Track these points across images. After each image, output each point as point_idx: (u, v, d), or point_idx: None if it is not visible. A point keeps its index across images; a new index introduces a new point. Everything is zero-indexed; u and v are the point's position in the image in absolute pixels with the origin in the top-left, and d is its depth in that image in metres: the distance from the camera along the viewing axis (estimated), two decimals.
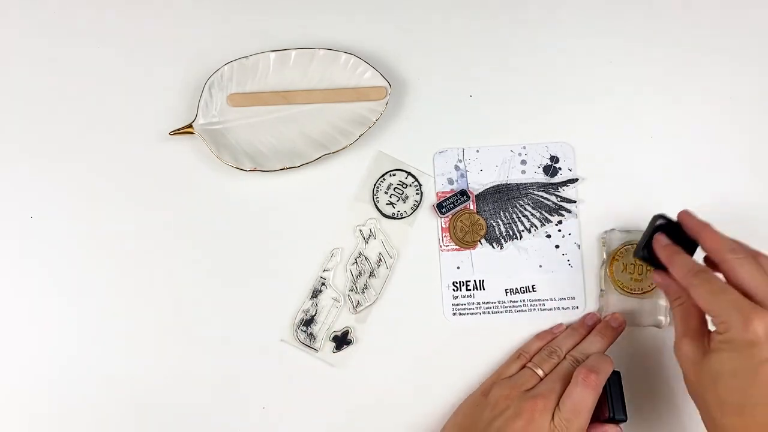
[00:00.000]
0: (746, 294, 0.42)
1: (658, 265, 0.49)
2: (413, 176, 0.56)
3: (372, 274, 0.55)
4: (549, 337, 0.53)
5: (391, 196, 0.56)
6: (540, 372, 0.49)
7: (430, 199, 0.56)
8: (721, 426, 0.43)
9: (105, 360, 0.54)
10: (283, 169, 0.54)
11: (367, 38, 0.58)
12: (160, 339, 0.54)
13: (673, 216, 0.49)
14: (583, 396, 0.46)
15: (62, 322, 0.54)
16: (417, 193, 0.56)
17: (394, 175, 0.56)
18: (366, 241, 0.55)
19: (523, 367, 0.51)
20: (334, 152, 0.54)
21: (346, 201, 0.56)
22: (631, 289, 0.53)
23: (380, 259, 0.55)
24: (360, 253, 0.55)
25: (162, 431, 0.53)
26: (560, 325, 0.54)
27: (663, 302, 0.53)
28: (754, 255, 0.45)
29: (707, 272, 0.45)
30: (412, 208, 0.56)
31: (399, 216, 0.55)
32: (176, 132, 0.55)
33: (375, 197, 0.56)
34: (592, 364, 0.47)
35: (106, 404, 0.53)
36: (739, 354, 0.41)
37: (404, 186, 0.56)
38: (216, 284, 0.54)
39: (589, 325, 0.53)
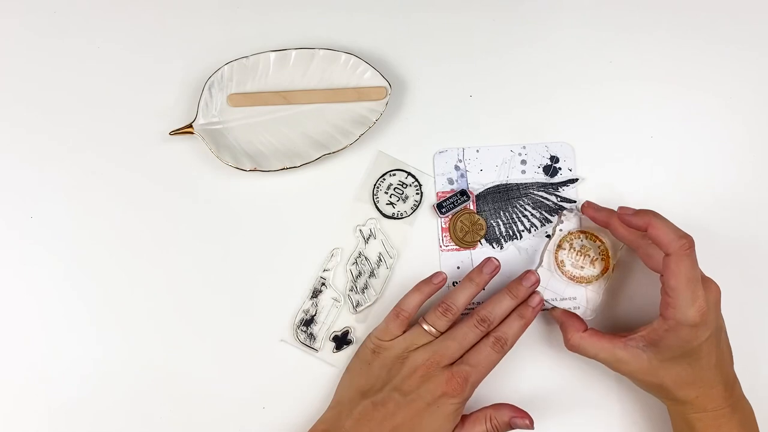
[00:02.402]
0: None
1: None
2: (413, 176, 0.56)
3: (372, 274, 0.55)
4: (427, 288, 0.51)
5: (391, 196, 0.56)
6: (434, 330, 0.50)
7: (430, 199, 0.56)
8: (681, 397, 0.48)
9: (104, 359, 0.54)
10: (283, 169, 0.54)
11: (367, 38, 0.58)
12: (160, 339, 0.54)
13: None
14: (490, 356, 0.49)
15: (62, 321, 0.54)
16: (417, 193, 0.56)
17: (394, 175, 0.56)
18: (366, 241, 0.55)
19: (407, 329, 0.51)
20: (334, 152, 0.54)
21: (346, 201, 0.56)
22: (572, 276, 0.53)
23: (380, 259, 0.55)
24: (360, 253, 0.55)
25: (162, 430, 0.53)
26: (439, 273, 0.52)
27: (599, 296, 0.53)
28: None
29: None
30: (412, 208, 0.55)
31: (399, 216, 0.55)
32: (176, 132, 0.55)
33: (375, 197, 0.56)
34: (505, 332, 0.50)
35: (106, 403, 0.53)
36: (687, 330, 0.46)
37: (404, 186, 0.56)
38: (216, 284, 0.54)
39: (486, 275, 0.51)
